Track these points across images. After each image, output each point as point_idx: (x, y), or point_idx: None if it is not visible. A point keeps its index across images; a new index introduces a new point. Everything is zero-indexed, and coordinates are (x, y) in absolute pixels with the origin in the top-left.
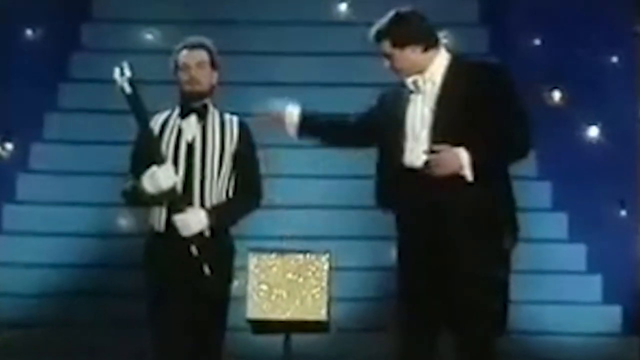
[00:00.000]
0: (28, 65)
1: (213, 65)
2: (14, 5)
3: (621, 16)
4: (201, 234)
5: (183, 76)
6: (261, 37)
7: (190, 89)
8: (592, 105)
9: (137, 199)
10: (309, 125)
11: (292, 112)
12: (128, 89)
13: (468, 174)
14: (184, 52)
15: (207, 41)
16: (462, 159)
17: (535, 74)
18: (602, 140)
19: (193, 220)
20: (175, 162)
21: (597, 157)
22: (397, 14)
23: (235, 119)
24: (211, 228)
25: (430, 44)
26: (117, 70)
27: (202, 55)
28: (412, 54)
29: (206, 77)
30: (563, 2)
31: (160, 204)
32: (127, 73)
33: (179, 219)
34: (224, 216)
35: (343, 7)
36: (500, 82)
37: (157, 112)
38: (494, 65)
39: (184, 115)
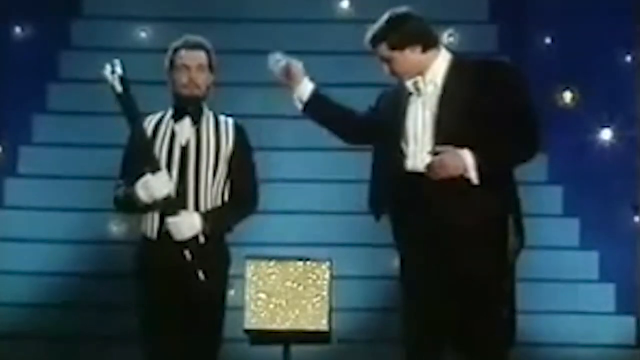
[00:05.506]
0: (15, 65)
1: (210, 67)
2: (1, 2)
3: (635, 15)
4: (195, 239)
5: (181, 77)
6: (259, 35)
7: (188, 93)
8: (605, 107)
9: (130, 206)
10: (317, 106)
11: (307, 86)
12: (119, 87)
13: (473, 176)
14: (183, 52)
15: (205, 41)
16: (466, 161)
17: (545, 74)
18: (615, 143)
19: (186, 225)
20: (169, 166)
21: (610, 161)
22: (392, 16)
23: (230, 121)
24: (205, 234)
25: (429, 43)
26: (107, 68)
27: (202, 57)
28: (411, 55)
29: (205, 81)
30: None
31: (154, 211)
32: (118, 71)
33: (171, 222)
34: (218, 221)
35: (344, 4)
36: (503, 81)
37: (150, 113)
38: (497, 63)
39: (177, 118)
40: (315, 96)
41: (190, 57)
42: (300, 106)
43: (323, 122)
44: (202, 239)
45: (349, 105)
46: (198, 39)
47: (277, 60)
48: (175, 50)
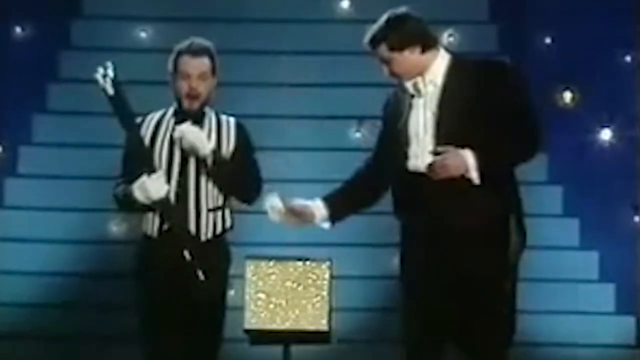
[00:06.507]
0: (15, 65)
1: (214, 71)
2: (1, 2)
3: (635, 15)
4: (195, 238)
5: (182, 85)
6: (259, 35)
7: (187, 106)
8: (605, 107)
9: (129, 205)
10: (339, 212)
11: (319, 208)
12: (110, 90)
13: (474, 176)
14: (186, 58)
15: (209, 45)
16: (467, 161)
17: (545, 74)
18: (615, 143)
19: (198, 134)
20: (170, 166)
21: (610, 161)
22: (391, 17)
23: (232, 120)
24: (214, 151)
25: (428, 44)
26: (99, 71)
27: (205, 64)
28: (410, 56)
29: (206, 88)
30: None
31: (153, 210)
32: (110, 74)
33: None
34: (224, 160)
35: (344, 4)
36: (503, 81)
37: (148, 113)
38: (496, 63)
39: (178, 120)
40: (331, 208)
41: (192, 65)
42: (328, 225)
43: (354, 212)
44: (211, 155)
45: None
46: (202, 43)
47: (273, 207)
48: (179, 54)
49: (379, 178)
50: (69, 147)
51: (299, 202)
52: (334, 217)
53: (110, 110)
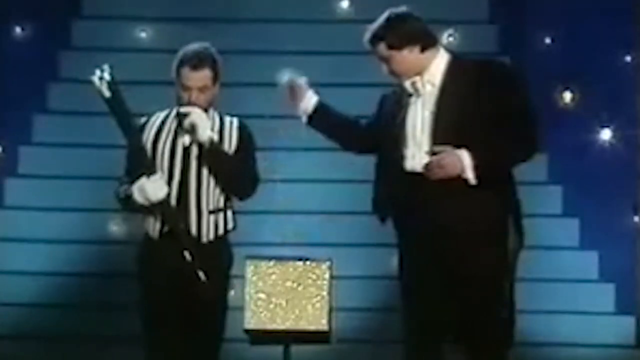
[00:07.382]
0: (15, 65)
1: (215, 80)
2: (1, 2)
3: (635, 15)
4: (195, 239)
5: (183, 96)
6: (259, 35)
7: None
8: (605, 107)
9: (130, 205)
10: (321, 118)
11: (311, 99)
12: (107, 93)
13: (471, 176)
14: (186, 71)
15: (212, 52)
16: (464, 161)
17: (545, 74)
18: (615, 143)
19: (201, 118)
20: (171, 168)
21: (610, 161)
22: (391, 16)
23: (235, 121)
24: (211, 139)
25: (427, 44)
26: (96, 73)
27: (205, 77)
28: (409, 55)
29: (207, 98)
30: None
31: (153, 213)
32: (106, 76)
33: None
34: (222, 151)
35: (344, 4)
36: (501, 81)
37: (147, 113)
38: (495, 63)
39: (180, 122)
40: (319, 108)
41: (192, 78)
42: (305, 119)
43: (327, 132)
44: (208, 141)
45: (351, 114)
46: (204, 52)
47: (287, 81)
48: (181, 63)
49: (365, 140)
50: (69, 147)
51: (302, 82)
52: (312, 119)
53: (108, 112)
